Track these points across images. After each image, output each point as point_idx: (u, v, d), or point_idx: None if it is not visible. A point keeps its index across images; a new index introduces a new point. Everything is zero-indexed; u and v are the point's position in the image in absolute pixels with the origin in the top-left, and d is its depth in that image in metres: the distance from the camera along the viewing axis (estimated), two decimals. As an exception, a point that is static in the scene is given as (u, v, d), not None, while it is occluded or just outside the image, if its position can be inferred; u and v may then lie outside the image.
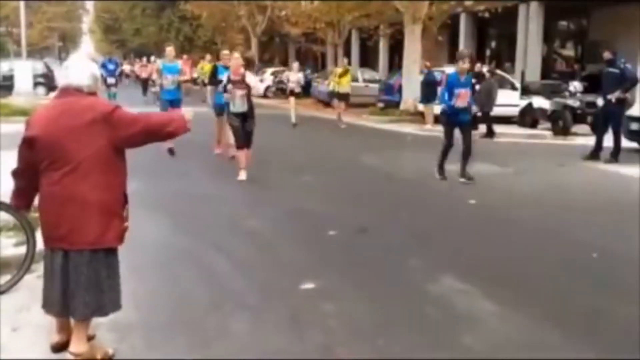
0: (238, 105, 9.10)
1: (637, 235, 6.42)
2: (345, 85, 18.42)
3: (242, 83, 9.10)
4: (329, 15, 25.54)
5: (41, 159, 3.46)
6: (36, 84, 25.17)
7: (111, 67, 23.65)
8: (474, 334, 4.16)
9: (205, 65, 24.16)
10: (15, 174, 3.68)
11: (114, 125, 3.44)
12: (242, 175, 9.12)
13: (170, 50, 12.30)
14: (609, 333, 4.22)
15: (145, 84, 26.38)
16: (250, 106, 9.18)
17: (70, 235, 3.44)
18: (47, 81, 28.09)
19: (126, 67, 41.39)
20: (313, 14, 26.24)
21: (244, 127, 9.17)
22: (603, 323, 4.40)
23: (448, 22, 23.96)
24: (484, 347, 3.98)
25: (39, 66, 28.13)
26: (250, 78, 9.37)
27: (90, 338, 3.75)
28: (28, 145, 3.51)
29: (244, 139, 9.21)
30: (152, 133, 3.65)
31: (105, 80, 21.34)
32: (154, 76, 25.91)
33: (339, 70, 19.02)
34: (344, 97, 18.50)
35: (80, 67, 3.60)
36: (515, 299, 4.77)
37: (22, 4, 25.51)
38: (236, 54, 9.98)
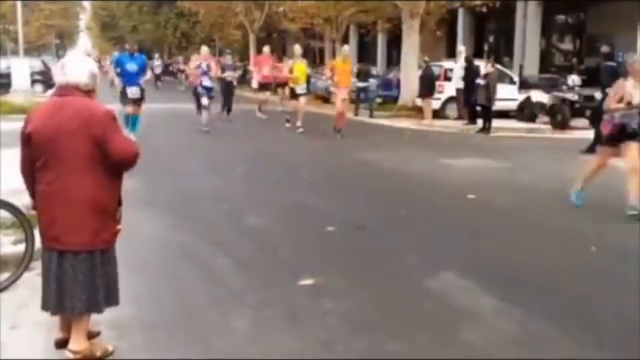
0: None
1: (636, 229, 6.43)
2: None
3: None
4: (327, 11, 25.48)
5: (37, 156, 3.47)
6: (33, 82, 25.13)
7: (132, 67, 12.18)
8: (474, 329, 4.17)
9: (299, 65, 15.42)
10: (22, 172, 3.67)
11: (95, 129, 3.39)
12: None
13: None
14: (609, 328, 4.23)
15: (196, 93, 15.69)
16: None
17: (63, 236, 3.44)
18: (44, 79, 28.05)
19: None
20: (310, 9, 26.19)
21: None
22: (601, 317, 4.40)
23: (446, 17, 23.94)
24: (484, 343, 3.98)
25: (36, 64, 28.11)
26: None
27: (95, 335, 3.77)
28: (25, 142, 3.52)
29: None
30: (111, 160, 3.46)
31: (124, 91, 12.12)
32: (203, 82, 14.44)
33: None
34: None
35: (78, 64, 3.57)
36: (514, 295, 4.76)
37: (18, 2, 25.42)
38: None
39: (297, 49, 16.24)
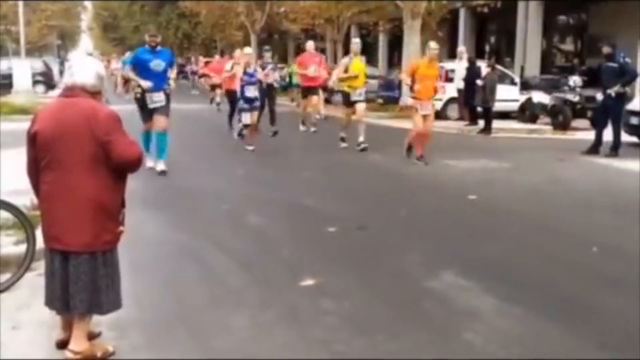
0: None
1: (637, 230, 6.42)
2: None
3: None
4: (328, 12, 25.48)
5: (41, 156, 3.48)
6: (35, 82, 25.20)
7: (158, 64, 9.17)
8: (475, 329, 4.16)
9: (357, 64, 12.29)
10: (28, 172, 3.66)
11: (97, 130, 3.41)
12: None
13: None
14: (609, 328, 4.22)
15: (232, 101, 13.99)
16: None
17: (64, 236, 3.45)
18: (46, 79, 28.16)
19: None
20: (312, 10, 26.21)
21: None
22: (602, 318, 4.40)
23: (447, 17, 23.93)
24: (485, 342, 3.98)
25: (37, 64, 28.17)
26: None
27: (95, 336, 3.77)
28: (31, 142, 3.54)
29: None
30: (113, 163, 3.47)
31: (142, 97, 9.19)
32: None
33: None
34: None
35: (86, 65, 3.60)
36: (515, 295, 4.76)
37: (20, 2, 25.45)
38: None
39: (356, 43, 12.63)
